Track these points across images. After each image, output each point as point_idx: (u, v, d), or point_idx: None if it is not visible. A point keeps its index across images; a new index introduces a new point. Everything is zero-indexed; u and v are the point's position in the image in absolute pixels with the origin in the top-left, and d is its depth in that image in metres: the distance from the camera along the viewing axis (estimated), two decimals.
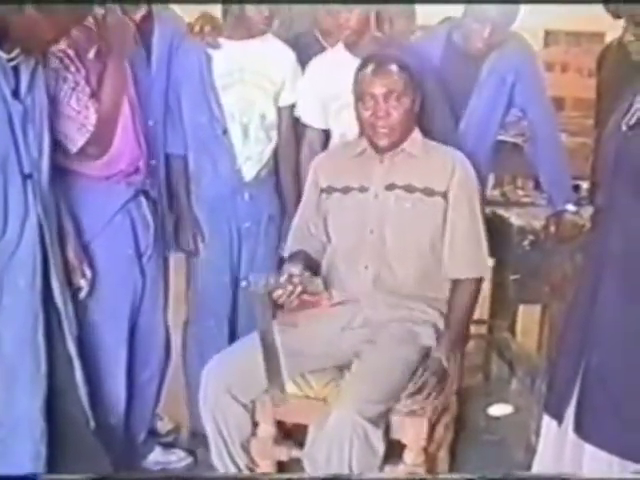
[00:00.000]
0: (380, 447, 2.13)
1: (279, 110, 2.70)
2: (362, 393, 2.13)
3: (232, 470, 2.30)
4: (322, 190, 2.46)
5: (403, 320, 2.34)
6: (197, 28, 2.58)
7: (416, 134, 2.41)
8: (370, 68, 2.33)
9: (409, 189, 2.35)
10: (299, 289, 2.21)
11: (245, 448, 2.33)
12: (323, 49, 2.79)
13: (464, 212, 2.37)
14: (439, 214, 2.35)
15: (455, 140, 2.55)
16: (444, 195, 2.35)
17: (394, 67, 2.32)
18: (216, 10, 2.66)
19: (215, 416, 2.28)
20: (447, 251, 2.38)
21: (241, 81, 2.62)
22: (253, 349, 2.20)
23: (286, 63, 2.68)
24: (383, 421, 2.18)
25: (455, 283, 2.40)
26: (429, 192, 2.35)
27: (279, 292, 2.18)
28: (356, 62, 2.45)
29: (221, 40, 2.60)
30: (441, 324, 2.39)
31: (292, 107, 2.72)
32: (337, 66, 2.59)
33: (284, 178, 2.76)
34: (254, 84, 2.64)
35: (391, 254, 2.36)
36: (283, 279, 2.20)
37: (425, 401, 2.24)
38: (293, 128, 2.74)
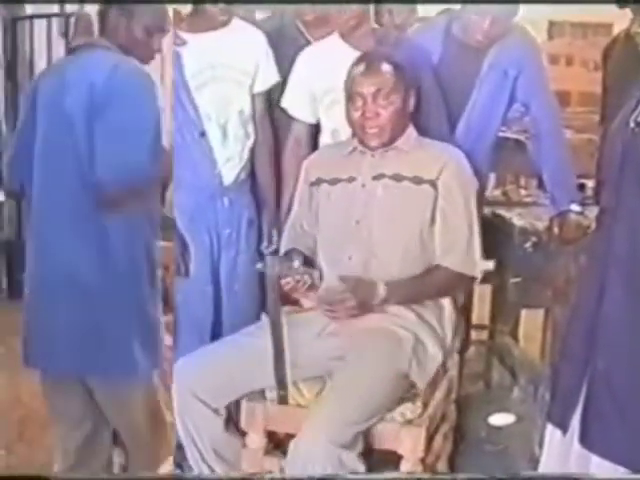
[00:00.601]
0: (359, 467, 2.03)
1: (253, 98, 2.60)
2: (335, 416, 2.01)
3: (207, 472, 2.24)
4: (312, 184, 2.42)
5: (379, 323, 2.24)
6: None
7: (410, 131, 2.36)
8: (360, 68, 2.29)
9: (397, 178, 2.29)
10: (307, 279, 2.20)
11: (218, 453, 2.26)
12: (307, 42, 2.68)
13: (456, 203, 2.29)
14: (428, 203, 2.28)
15: (451, 140, 2.48)
16: (433, 183, 2.27)
17: (385, 66, 2.28)
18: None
19: (183, 418, 2.23)
20: (438, 239, 2.29)
21: (213, 78, 2.51)
22: (227, 353, 2.16)
23: (256, 48, 2.58)
24: (361, 440, 2.06)
25: (435, 267, 2.30)
26: (417, 180, 2.28)
27: (288, 279, 2.16)
28: (351, 52, 2.39)
29: (184, 35, 2.48)
30: (420, 329, 2.27)
31: (267, 93, 2.62)
32: (331, 57, 2.50)
33: (261, 170, 2.65)
34: (228, 79, 2.53)
35: (377, 245, 2.28)
36: (297, 264, 2.20)
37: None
38: (269, 116, 2.63)
